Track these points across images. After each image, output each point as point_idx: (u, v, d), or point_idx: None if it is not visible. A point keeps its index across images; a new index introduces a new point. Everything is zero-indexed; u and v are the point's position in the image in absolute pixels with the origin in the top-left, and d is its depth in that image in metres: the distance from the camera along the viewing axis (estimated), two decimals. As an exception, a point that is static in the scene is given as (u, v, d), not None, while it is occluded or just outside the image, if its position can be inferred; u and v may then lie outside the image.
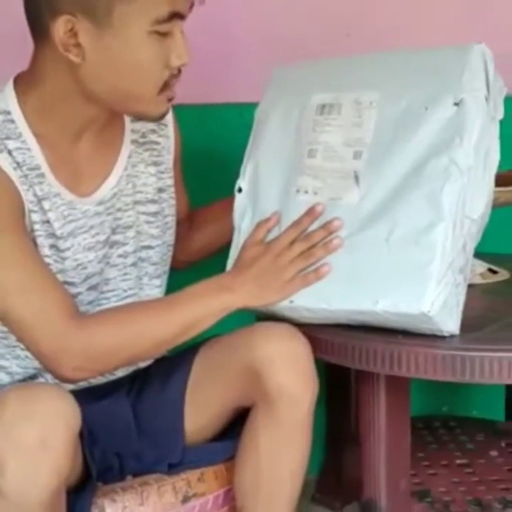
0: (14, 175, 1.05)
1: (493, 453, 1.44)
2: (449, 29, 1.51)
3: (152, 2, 1.02)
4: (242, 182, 1.18)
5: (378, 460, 1.16)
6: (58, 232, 1.09)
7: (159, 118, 1.12)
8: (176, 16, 1.04)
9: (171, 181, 1.23)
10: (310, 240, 1.09)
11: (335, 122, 1.13)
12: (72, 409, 0.96)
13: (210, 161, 1.55)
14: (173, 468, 1.15)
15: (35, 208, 1.07)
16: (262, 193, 1.16)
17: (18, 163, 1.05)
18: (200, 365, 1.17)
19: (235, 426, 1.16)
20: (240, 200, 1.18)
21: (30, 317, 1.02)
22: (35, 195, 1.07)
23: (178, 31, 1.06)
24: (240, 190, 1.18)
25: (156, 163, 1.21)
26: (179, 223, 1.27)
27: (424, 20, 1.54)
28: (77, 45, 1.02)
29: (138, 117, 1.14)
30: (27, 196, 1.06)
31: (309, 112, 1.15)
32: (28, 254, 1.04)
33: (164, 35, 1.04)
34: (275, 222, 1.13)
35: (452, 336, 1.07)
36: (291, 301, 1.09)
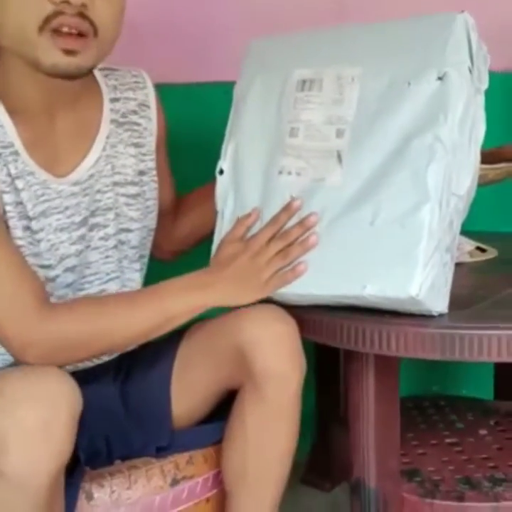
0: None
1: (483, 432, 1.44)
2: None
3: None
4: (224, 163, 1.16)
5: (367, 440, 1.15)
6: (30, 213, 1.07)
7: (53, 71, 1.02)
8: None
9: (152, 164, 1.21)
10: (287, 238, 1.08)
11: (316, 99, 1.10)
12: (74, 391, 0.95)
13: (195, 143, 1.54)
14: (161, 451, 1.15)
15: (8, 189, 1.05)
16: (243, 175, 1.14)
17: None
18: (186, 349, 1.16)
19: (223, 408, 1.15)
20: (221, 183, 1.16)
21: None
22: (8, 174, 1.05)
23: None
24: (221, 172, 1.16)
25: (136, 145, 1.19)
26: (165, 212, 1.26)
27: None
28: None
29: (35, 67, 1.04)
30: (0, 176, 1.04)
31: (290, 88, 1.12)
32: (2, 242, 1.02)
33: None
34: (255, 218, 1.11)
35: (441, 315, 1.06)
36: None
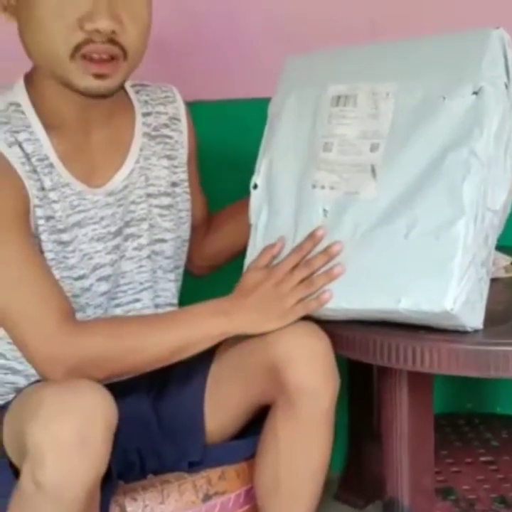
0: (22, 170, 1.06)
1: (518, 450, 1.43)
2: (473, 15, 1.48)
3: None
4: (257, 178, 1.17)
5: (401, 457, 1.15)
6: (62, 225, 1.09)
7: (85, 93, 1.05)
8: None
9: (184, 176, 1.23)
10: (311, 266, 1.07)
11: (351, 114, 1.11)
12: (110, 404, 0.96)
13: (229, 159, 1.55)
14: (193, 466, 1.15)
15: (41, 203, 1.07)
16: (277, 189, 1.15)
17: (27, 155, 1.06)
18: (219, 363, 1.16)
19: (256, 423, 1.15)
20: (255, 197, 1.17)
21: (23, 318, 1.02)
22: (42, 187, 1.07)
23: None
24: (255, 186, 1.17)
25: (169, 157, 1.21)
26: (196, 226, 1.27)
27: (449, 14, 1.52)
28: (13, 7, 1.05)
29: (68, 87, 1.07)
30: (33, 191, 1.07)
31: (324, 103, 1.13)
32: (28, 254, 1.04)
33: None
34: (281, 247, 1.11)
35: (476, 331, 1.05)
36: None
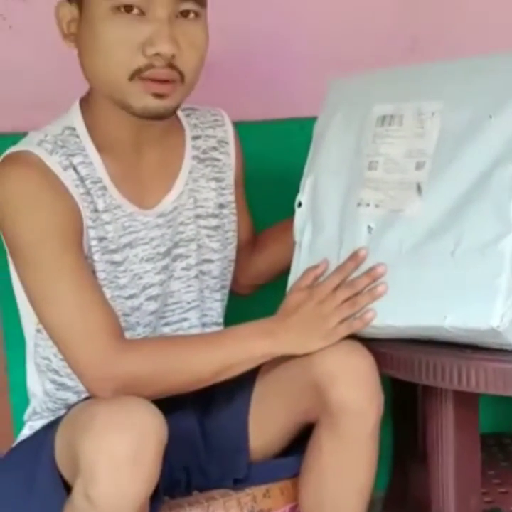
0: (76, 192, 1.08)
1: None
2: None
3: None
4: (302, 196, 1.18)
5: (447, 478, 1.13)
6: (114, 246, 1.12)
7: (143, 113, 1.07)
8: None
9: (232, 197, 1.25)
10: (354, 287, 1.08)
11: (396, 133, 1.12)
12: (161, 422, 0.97)
13: (273, 179, 1.56)
14: (238, 484, 1.16)
15: (94, 224, 1.10)
16: (321, 207, 1.16)
17: (81, 178, 1.09)
18: (262, 381, 1.17)
19: (301, 442, 1.15)
20: (299, 215, 1.18)
21: (74, 336, 1.04)
22: (95, 209, 1.10)
23: (161, 14, 1.03)
24: (299, 204, 1.18)
25: (217, 179, 1.23)
26: (242, 246, 1.28)
27: (492, 33, 1.51)
28: (73, 34, 1.08)
29: (125, 109, 1.09)
30: (86, 212, 1.09)
31: (369, 123, 1.15)
32: (81, 274, 1.06)
33: (131, 12, 1.02)
34: (324, 269, 1.11)
35: (522, 350, 1.04)
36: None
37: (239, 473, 1.16)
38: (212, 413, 1.20)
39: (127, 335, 1.12)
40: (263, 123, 1.58)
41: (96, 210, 1.10)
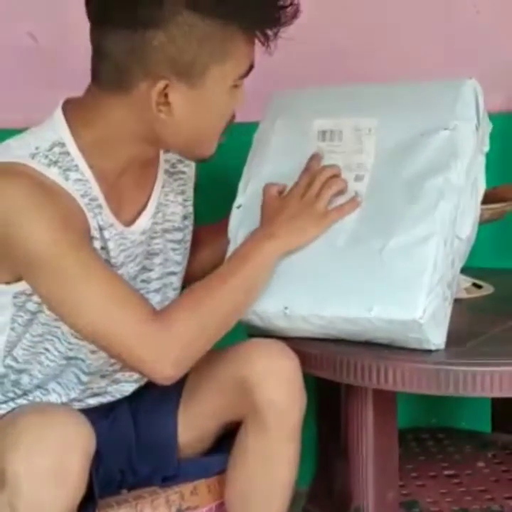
0: (82, 201, 1.06)
1: (480, 464, 1.47)
2: (447, 64, 1.57)
3: (241, 60, 1.06)
4: (242, 198, 1.22)
5: (366, 472, 1.18)
6: (113, 261, 1.10)
7: (208, 159, 1.14)
8: (252, 68, 1.09)
9: (191, 209, 1.24)
10: (327, 175, 1.14)
11: (338, 149, 1.19)
12: (87, 433, 0.97)
13: (214, 179, 1.57)
14: (167, 481, 1.17)
15: (98, 236, 1.08)
16: (259, 209, 1.18)
17: (82, 194, 1.06)
18: (192, 380, 1.18)
19: (227, 440, 1.18)
20: (236, 215, 1.21)
21: (118, 328, 1.02)
22: (98, 226, 1.08)
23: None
24: (239, 207, 1.22)
25: (182, 192, 1.23)
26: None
27: (424, 58, 1.58)
28: (167, 103, 1.05)
29: (193, 159, 1.17)
30: (93, 223, 1.07)
31: (312, 137, 1.20)
32: (103, 267, 1.05)
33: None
34: (283, 186, 1.16)
35: (437, 351, 1.10)
36: (286, 308, 1.13)
37: (168, 470, 1.18)
38: (145, 410, 1.20)
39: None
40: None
41: (98, 227, 1.08)
